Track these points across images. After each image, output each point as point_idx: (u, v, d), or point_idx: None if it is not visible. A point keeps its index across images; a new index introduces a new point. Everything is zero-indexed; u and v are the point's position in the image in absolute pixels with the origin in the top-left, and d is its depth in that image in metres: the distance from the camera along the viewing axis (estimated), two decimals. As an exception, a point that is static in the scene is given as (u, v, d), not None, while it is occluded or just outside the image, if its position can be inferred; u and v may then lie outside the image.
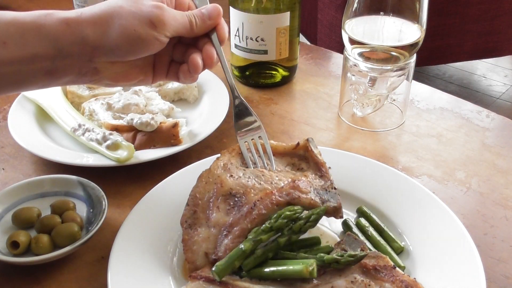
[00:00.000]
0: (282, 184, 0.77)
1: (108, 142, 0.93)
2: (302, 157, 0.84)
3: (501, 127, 1.09)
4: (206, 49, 0.74)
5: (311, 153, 0.83)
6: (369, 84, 1.03)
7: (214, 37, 0.75)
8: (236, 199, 0.76)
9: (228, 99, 1.09)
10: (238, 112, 0.82)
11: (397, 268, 0.68)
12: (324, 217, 0.84)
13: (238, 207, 0.75)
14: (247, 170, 0.80)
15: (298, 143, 0.84)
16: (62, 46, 0.65)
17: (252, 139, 0.82)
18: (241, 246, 0.70)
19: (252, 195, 0.76)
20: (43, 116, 1.06)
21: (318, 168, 0.81)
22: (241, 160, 0.82)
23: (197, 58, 0.73)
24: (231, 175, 0.78)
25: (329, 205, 0.76)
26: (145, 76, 0.75)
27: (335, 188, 0.79)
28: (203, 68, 0.75)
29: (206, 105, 1.11)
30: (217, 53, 0.75)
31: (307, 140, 0.84)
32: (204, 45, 0.74)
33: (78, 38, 0.65)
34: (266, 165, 0.82)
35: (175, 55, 0.77)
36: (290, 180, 0.78)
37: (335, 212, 0.77)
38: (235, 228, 0.72)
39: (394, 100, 1.13)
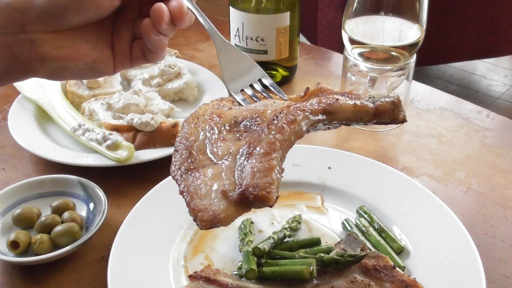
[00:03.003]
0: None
1: (108, 142, 0.93)
2: None
3: (501, 127, 1.09)
4: (172, 1, 0.59)
5: (329, 91, 0.62)
6: (369, 84, 1.03)
7: None
8: (247, 122, 0.56)
9: (228, 99, 1.09)
10: (227, 62, 0.63)
11: (397, 268, 0.68)
12: (324, 217, 0.84)
13: (253, 128, 0.55)
14: (251, 104, 0.60)
15: (307, 89, 0.64)
16: None
17: (250, 85, 0.63)
18: None
19: (269, 112, 0.55)
20: (43, 116, 1.06)
21: (347, 95, 0.61)
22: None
23: (161, 5, 0.58)
24: (230, 108, 0.60)
25: (384, 101, 0.57)
26: (100, 54, 0.60)
27: None
28: (173, 23, 0.59)
29: (206, 105, 1.11)
30: (189, 9, 0.60)
31: (318, 83, 0.65)
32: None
33: (0, 5, 0.54)
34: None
35: (137, 31, 0.61)
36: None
37: (395, 108, 0.56)
38: (258, 148, 0.51)
39: (394, 100, 1.13)
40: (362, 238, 0.78)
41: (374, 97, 0.59)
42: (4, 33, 0.54)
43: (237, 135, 0.54)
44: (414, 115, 1.12)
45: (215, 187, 0.49)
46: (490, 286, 0.73)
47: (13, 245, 0.75)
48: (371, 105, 0.56)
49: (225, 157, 0.52)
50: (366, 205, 0.84)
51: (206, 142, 0.55)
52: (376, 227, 0.80)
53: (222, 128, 0.56)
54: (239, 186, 0.48)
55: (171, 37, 0.62)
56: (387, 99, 0.57)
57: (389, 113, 0.56)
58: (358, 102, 0.56)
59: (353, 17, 0.99)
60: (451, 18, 2.37)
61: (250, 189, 0.47)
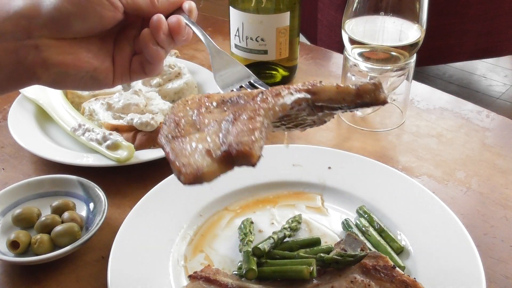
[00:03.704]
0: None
1: (108, 142, 0.93)
2: None
3: (501, 127, 1.09)
4: (171, 17, 0.63)
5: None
6: (369, 84, 1.03)
7: (183, 16, 0.65)
8: (234, 99, 0.58)
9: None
10: (220, 67, 0.67)
11: (397, 268, 0.68)
12: (324, 217, 0.84)
13: (240, 102, 0.57)
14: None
15: None
16: None
17: (240, 86, 0.67)
18: None
19: (255, 91, 0.58)
20: (43, 116, 1.06)
21: None
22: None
23: (160, 15, 0.62)
24: (218, 93, 0.63)
25: (365, 82, 0.59)
26: (101, 64, 0.63)
27: None
28: (171, 36, 0.63)
29: (206, 105, 1.11)
30: (187, 25, 0.64)
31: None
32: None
33: (9, 13, 0.56)
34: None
35: (137, 47, 0.66)
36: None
37: (376, 89, 0.58)
38: (243, 115, 0.53)
39: (394, 100, 1.13)
40: (362, 238, 0.78)
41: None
42: (11, 39, 0.56)
43: (224, 108, 0.56)
44: (414, 115, 1.12)
45: (200, 147, 0.50)
46: (490, 286, 0.73)
47: (13, 245, 0.75)
48: (353, 86, 0.58)
49: (211, 125, 0.54)
50: (366, 205, 0.84)
51: (194, 118, 0.57)
52: (376, 227, 0.80)
53: (210, 105, 0.58)
54: (223, 144, 0.49)
55: (169, 52, 0.65)
56: (368, 81, 0.59)
57: (370, 93, 0.57)
58: (341, 84, 0.58)
59: (353, 17, 0.99)
60: (451, 18, 2.38)
61: (234, 145, 0.48)
